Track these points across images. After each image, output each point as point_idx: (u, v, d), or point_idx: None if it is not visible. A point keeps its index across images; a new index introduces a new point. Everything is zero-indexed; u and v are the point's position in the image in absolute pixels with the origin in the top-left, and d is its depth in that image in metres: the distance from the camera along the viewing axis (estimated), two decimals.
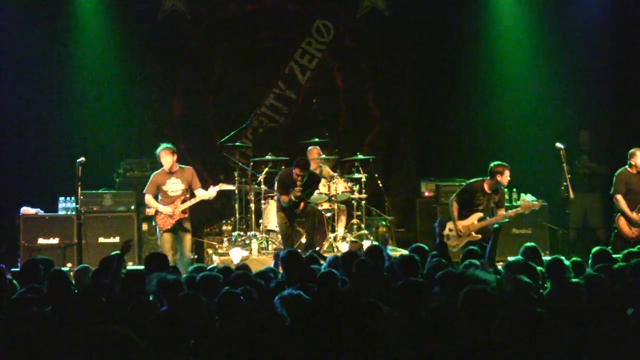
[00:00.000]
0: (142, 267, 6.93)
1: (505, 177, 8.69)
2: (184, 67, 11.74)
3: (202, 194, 9.08)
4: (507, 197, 9.21)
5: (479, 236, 8.74)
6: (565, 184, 9.26)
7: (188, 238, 9.12)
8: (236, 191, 10.10)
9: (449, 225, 8.93)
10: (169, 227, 8.99)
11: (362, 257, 6.24)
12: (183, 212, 8.98)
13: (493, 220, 8.68)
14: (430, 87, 12.02)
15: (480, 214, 8.80)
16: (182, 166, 9.17)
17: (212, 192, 9.07)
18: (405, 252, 8.50)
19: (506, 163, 8.76)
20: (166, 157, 8.96)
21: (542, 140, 10.55)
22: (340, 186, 10.15)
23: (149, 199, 9.08)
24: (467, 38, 11.56)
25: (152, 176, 9.16)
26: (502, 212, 8.83)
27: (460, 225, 8.82)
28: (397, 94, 12.25)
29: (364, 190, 10.20)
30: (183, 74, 11.79)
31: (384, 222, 10.68)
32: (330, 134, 10.78)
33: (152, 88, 11.54)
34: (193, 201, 9.05)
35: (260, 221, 10.10)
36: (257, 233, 9.92)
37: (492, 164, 8.76)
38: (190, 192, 9.10)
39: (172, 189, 9.04)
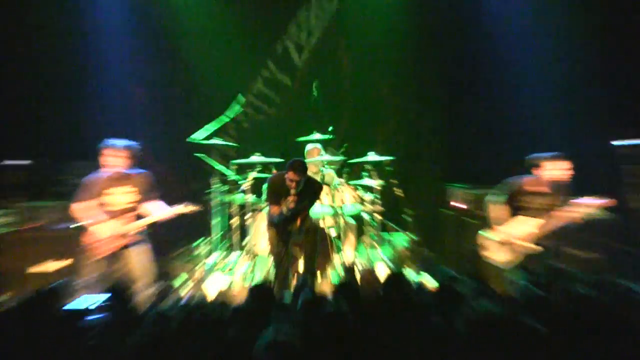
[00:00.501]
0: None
1: (546, 171, 8.50)
2: (147, 43, 11.45)
3: (157, 212, 8.52)
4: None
5: (539, 248, 8.49)
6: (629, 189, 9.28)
7: (146, 252, 8.51)
8: (215, 202, 9.94)
9: (488, 234, 8.71)
10: (109, 253, 8.40)
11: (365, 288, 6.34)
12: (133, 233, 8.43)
13: (553, 226, 8.43)
14: (463, 70, 11.74)
15: (536, 219, 8.52)
16: (136, 171, 8.58)
17: (170, 212, 8.52)
18: (427, 277, 8.78)
19: (551, 153, 8.55)
20: (115, 157, 8.41)
21: (598, 138, 10.38)
22: (347, 195, 9.99)
23: (80, 209, 8.39)
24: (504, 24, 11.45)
25: (87, 180, 8.50)
26: (561, 214, 8.46)
27: (507, 234, 8.60)
28: (420, 78, 11.93)
29: (378, 201, 10.02)
30: (146, 51, 11.47)
31: (405, 242, 10.48)
32: (335, 128, 10.47)
33: (105, 71, 11.21)
34: (145, 222, 8.48)
35: (246, 240, 9.89)
36: (242, 255, 9.72)
37: (527, 157, 8.65)
38: (144, 206, 8.58)
39: (119, 200, 8.48)
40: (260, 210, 9.88)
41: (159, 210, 8.56)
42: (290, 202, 8.68)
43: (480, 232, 8.80)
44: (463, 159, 11.63)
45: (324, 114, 10.52)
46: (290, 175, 8.60)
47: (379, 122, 11.99)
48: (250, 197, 9.98)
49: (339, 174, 10.41)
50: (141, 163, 8.77)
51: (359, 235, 10.21)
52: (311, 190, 8.94)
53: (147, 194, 8.59)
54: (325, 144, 10.38)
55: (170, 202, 8.65)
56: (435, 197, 11.57)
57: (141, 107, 11.52)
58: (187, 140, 10.46)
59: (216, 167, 10.34)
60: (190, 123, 11.10)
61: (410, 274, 9.52)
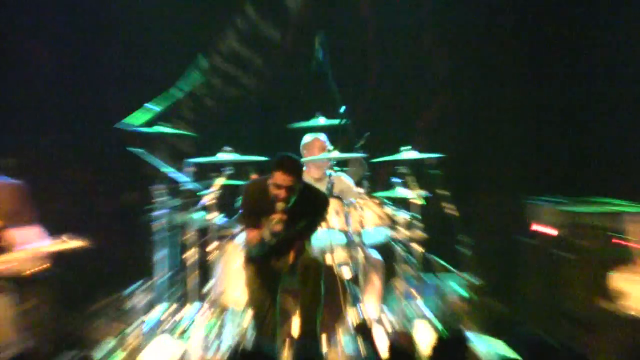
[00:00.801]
0: None
1: None
2: None
3: (22, 247, 8.24)
4: None
5: None
6: None
7: (4, 310, 8.16)
8: (159, 225, 10.00)
9: (628, 274, 8.94)
10: None
11: None
12: None
13: None
14: (554, 23, 11.68)
15: None
16: None
17: (40, 248, 8.26)
18: (499, 345, 8.96)
19: None
20: None
21: None
22: (369, 215, 9.83)
23: None
24: None
25: None
26: None
27: None
28: (488, 32, 11.87)
29: (418, 223, 9.89)
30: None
31: (461, 288, 10.42)
32: (350, 109, 10.16)
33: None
34: (10, 258, 8.15)
35: (209, 285, 9.78)
36: (203, 309, 9.67)
37: None
38: (8, 236, 8.34)
39: None
40: (232, 237, 9.70)
41: (27, 244, 8.30)
42: (276, 222, 8.33)
43: (612, 273, 8.88)
44: (553, 159, 11.72)
45: (332, 86, 10.23)
46: (277, 178, 8.30)
47: (419, 100, 11.86)
48: (216, 217, 9.76)
49: (357, 180, 10.18)
50: (34, 166, 9.35)
51: (387, 277, 9.98)
52: (310, 204, 8.71)
53: (13, 217, 8.34)
54: (335, 134, 10.14)
55: (88, 224, 9.07)
56: (509, 218, 11.44)
57: (42, 77, 11.58)
58: (116, 126, 10.23)
59: (162, 170, 10.07)
60: (122, 101, 10.96)
61: (471, 338, 8.69)
